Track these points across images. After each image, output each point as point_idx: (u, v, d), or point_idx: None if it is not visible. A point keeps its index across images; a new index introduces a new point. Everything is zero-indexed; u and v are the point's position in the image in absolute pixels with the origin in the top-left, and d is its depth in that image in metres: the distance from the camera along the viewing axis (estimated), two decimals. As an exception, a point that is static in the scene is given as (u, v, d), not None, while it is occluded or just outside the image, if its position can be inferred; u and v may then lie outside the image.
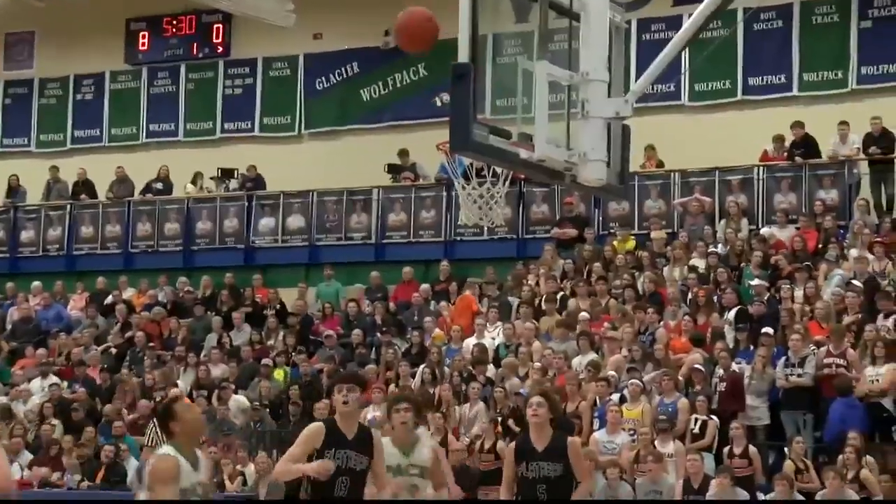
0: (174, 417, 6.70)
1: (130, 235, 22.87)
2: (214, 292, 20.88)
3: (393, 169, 21.35)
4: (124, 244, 22.91)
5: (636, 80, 8.21)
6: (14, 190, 24.00)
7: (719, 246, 17.87)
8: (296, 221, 21.84)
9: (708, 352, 15.36)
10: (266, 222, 22.01)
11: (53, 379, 18.74)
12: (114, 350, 19.89)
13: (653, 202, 19.50)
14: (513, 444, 8.22)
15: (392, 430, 8.18)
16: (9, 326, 21.55)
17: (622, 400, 14.61)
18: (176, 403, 7.02)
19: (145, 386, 18.03)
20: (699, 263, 17.45)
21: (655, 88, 15.94)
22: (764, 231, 18.04)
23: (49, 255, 23.42)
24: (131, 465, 16.07)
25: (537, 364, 15.69)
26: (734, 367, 14.67)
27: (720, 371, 14.69)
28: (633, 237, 18.96)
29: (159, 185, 22.90)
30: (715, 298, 16.49)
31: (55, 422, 17.69)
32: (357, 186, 21.51)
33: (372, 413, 15.46)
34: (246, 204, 22.18)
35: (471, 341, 17.02)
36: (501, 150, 7.59)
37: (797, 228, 17.86)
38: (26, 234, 23.66)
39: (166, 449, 6.61)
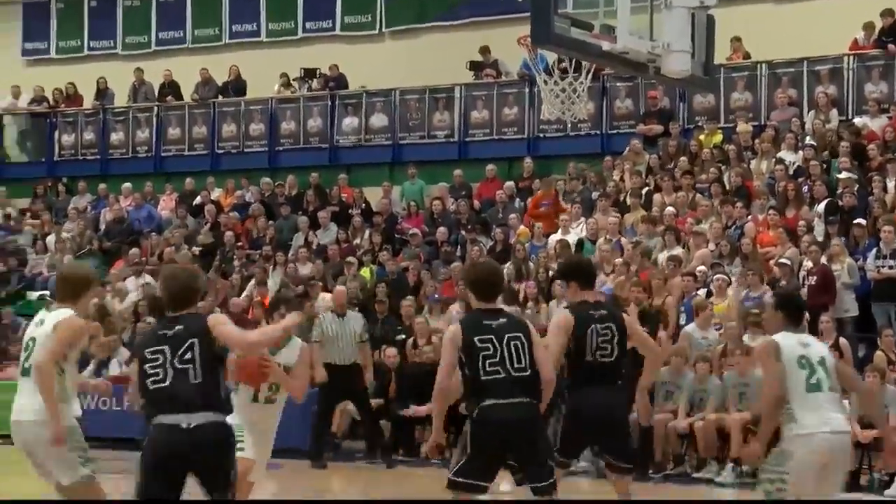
0: None
1: (216, 136, 23.11)
2: (300, 192, 21.08)
3: (475, 66, 21.20)
4: (210, 145, 23.16)
5: (722, -32, 8.05)
6: (102, 92, 24.32)
7: (807, 137, 17.55)
8: (379, 120, 21.86)
9: (796, 245, 15.18)
10: (349, 122, 22.06)
11: (147, 278, 19.14)
12: (197, 250, 20.19)
13: (739, 94, 19.16)
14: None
15: None
16: (102, 227, 22.04)
17: (708, 294, 14.55)
18: None
19: (234, 284, 18.37)
20: (787, 156, 17.17)
21: (742, -23, 15.60)
22: (856, 121, 17.66)
23: (138, 156, 23.79)
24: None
25: (619, 259, 15.65)
26: (823, 259, 14.50)
27: (808, 264, 14.53)
28: (719, 130, 18.69)
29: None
30: (804, 191, 16.25)
31: (150, 319, 18.02)
32: (439, 84, 21.42)
33: (457, 310, 15.57)
34: (329, 104, 22.23)
35: (555, 237, 17.01)
36: (583, 42, 7.54)
37: (889, 118, 17.45)
38: (115, 136, 24.03)
39: None
